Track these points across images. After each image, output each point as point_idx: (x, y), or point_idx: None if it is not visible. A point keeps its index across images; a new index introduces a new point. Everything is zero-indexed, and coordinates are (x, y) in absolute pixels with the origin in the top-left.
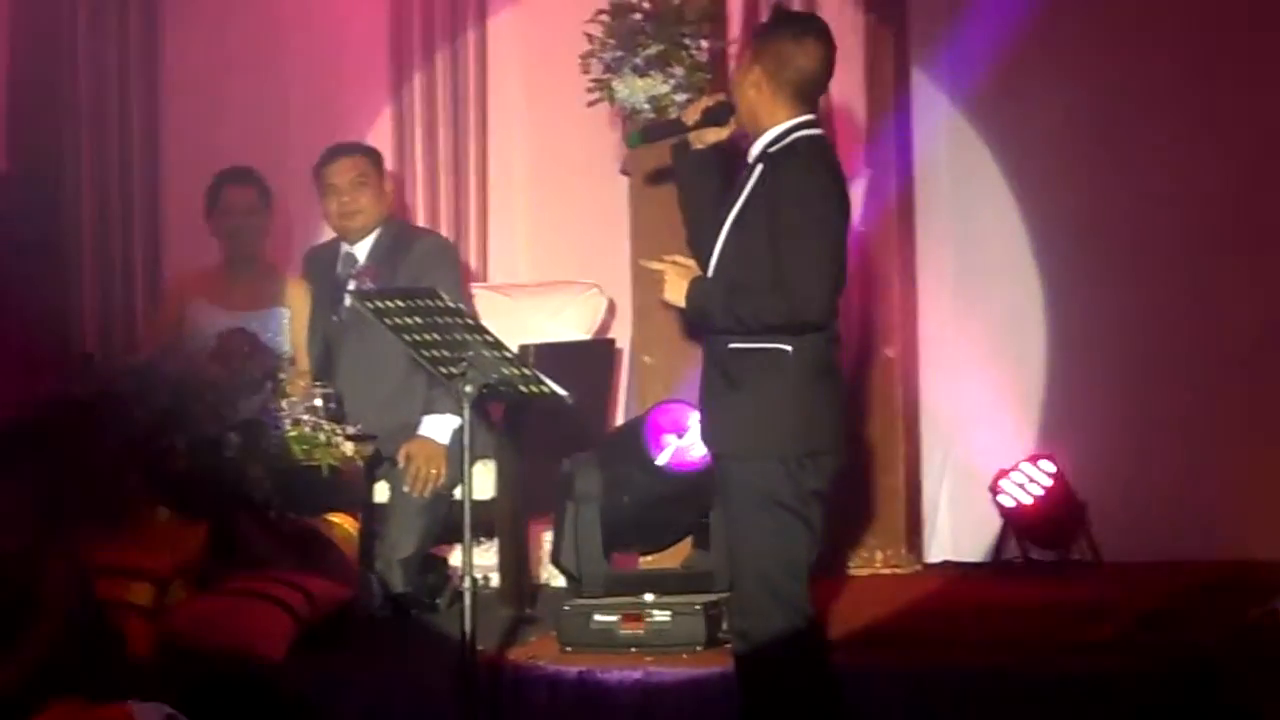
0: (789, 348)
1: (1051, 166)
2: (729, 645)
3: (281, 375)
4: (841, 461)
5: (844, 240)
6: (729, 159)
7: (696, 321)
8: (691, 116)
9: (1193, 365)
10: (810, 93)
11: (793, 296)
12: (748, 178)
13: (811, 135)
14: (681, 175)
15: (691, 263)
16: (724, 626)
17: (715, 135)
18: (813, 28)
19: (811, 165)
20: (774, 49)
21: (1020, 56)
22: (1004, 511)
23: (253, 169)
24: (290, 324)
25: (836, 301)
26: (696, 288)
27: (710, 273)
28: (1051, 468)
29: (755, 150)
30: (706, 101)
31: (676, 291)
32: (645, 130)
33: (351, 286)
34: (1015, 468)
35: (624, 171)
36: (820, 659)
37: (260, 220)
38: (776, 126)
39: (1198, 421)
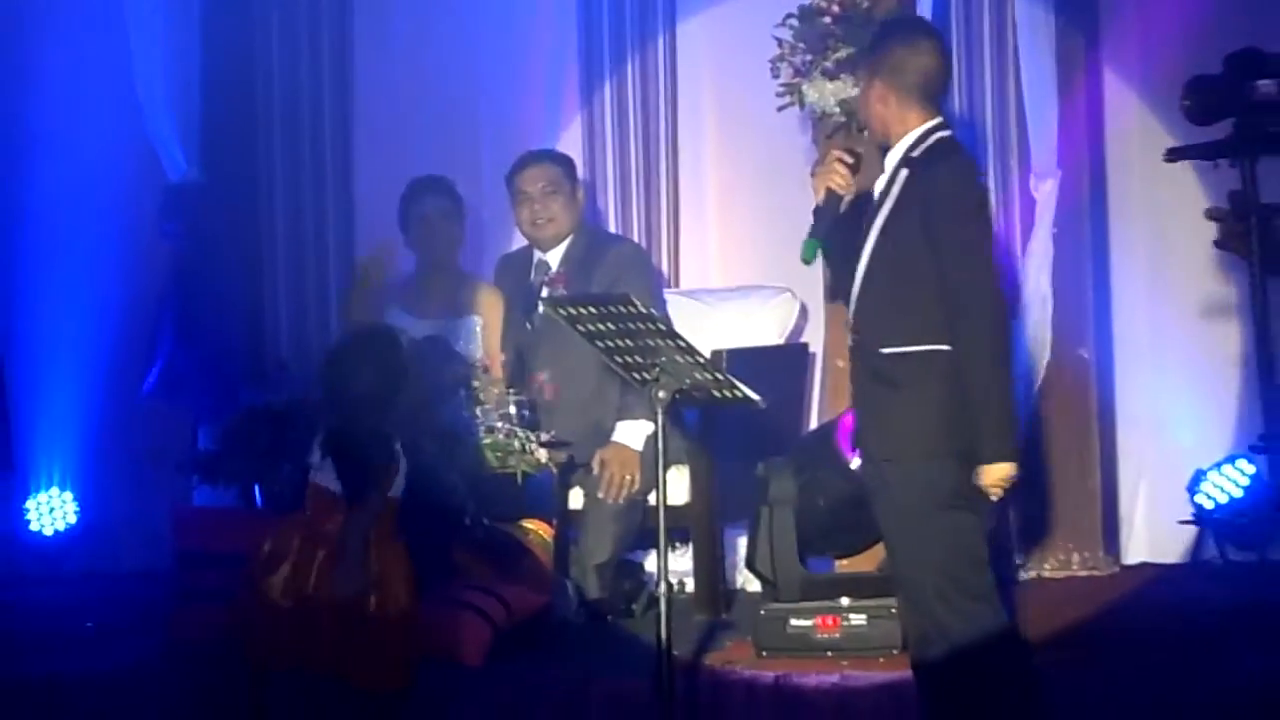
0: (948, 348)
1: None
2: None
3: (475, 383)
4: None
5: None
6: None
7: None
8: (820, 196)
9: None
10: (934, 93)
11: (991, 303)
12: (890, 185)
13: (947, 137)
14: (819, 229)
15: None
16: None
17: (851, 189)
18: (921, 29)
19: (960, 170)
20: (888, 58)
21: (1210, 53)
22: (1202, 512)
23: (445, 178)
24: (483, 332)
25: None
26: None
27: (858, 283)
28: (1250, 467)
29: (894, 158)
30: (827, 179)
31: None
32: (812, 236)
33: (544, 294)
34: (1213, 468)
35: (814, 174)
36: (1025, 651)
37: (453, 228)
38: (910, 133)
39: None
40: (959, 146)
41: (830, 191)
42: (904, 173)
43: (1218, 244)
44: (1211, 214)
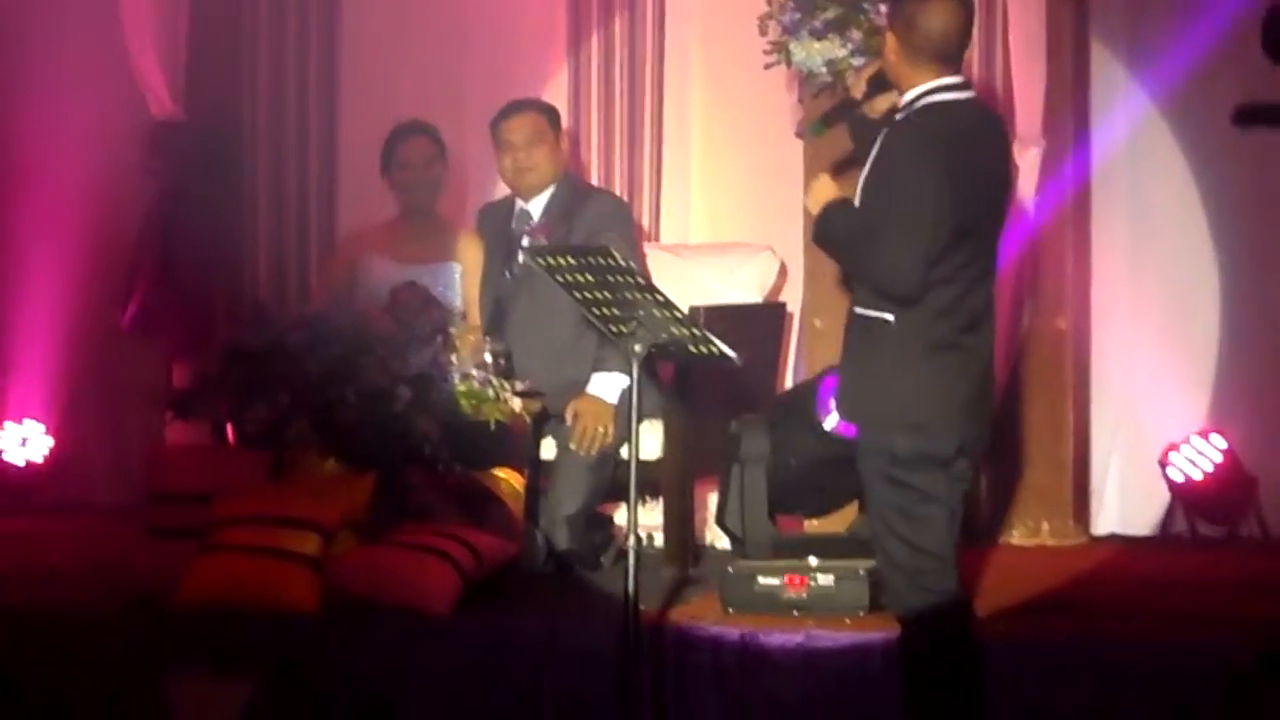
0: (890, 318)
1: (1229, 141)
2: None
3: (452, 329)
4: (973, 439)
5: (943, 212)
6: None
7: (819, 237)
8: (859, 89)
9: None
10: (946, 53)
11: (878, 264)
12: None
13: (939, 101)
14: (861, 148)
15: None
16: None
17: (886, 102)
18: None
19: (916, 133)
20: (903, 14)
21: (1201, 34)
22: (1173, 486)
23: (429, 123)
24: (462, 279)
25: (923, 275)
26: (839, 204)
27: None
28: (1222, 443)
29: (892, 116)
30: (868, 71)
31: (818, 196)
32: (825, 117)
33: (525, 243)
34: (1185, 442)
35: (799, 134)
36: (958, 634)
37: (436, 173)
38: (913, 90)
39: None
40: (949, 112)
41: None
42: (885, 131)
43: None
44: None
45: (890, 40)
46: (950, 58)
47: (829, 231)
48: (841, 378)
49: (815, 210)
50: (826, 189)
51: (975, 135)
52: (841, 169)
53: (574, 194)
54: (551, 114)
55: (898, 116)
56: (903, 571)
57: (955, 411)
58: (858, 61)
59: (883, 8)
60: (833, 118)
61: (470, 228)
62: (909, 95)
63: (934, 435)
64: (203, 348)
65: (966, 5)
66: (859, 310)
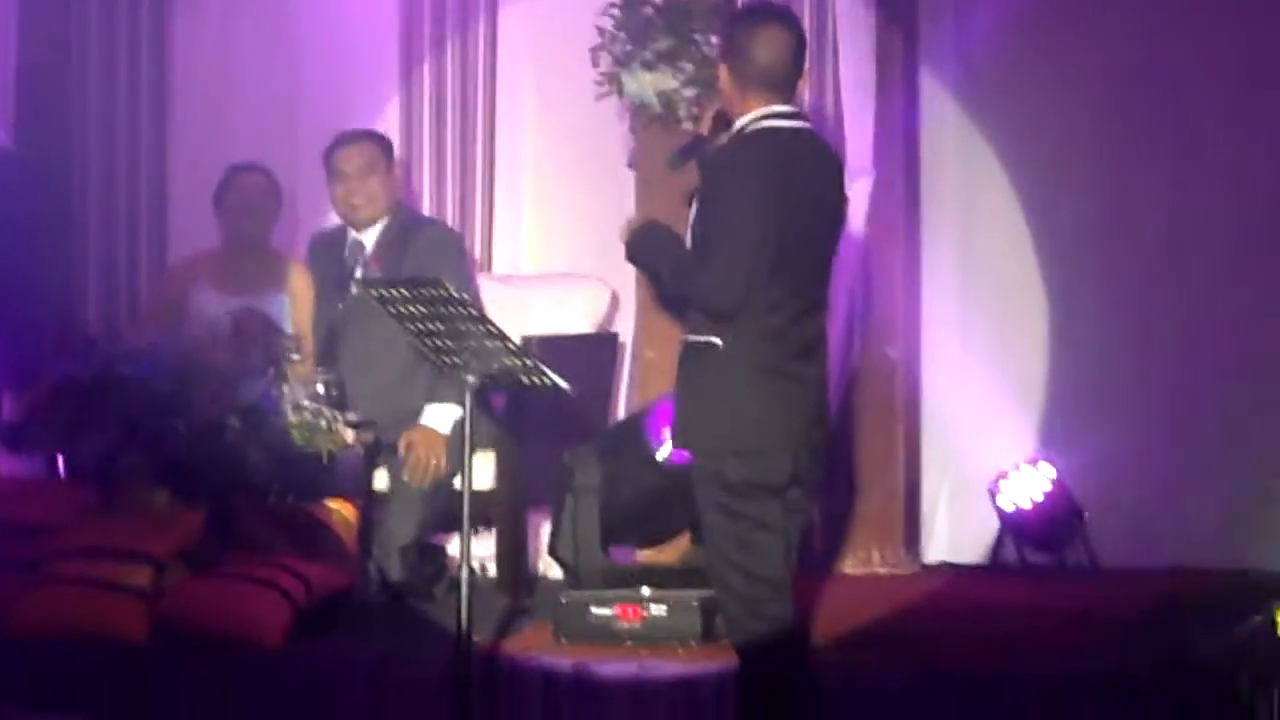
0: (719, 341)
1: (1056, 169)
2: (724, 640)
3: (293, 357)
4: (807, 467)
5: (764, 234)
6: None
7: (631, 252)
8: (705, 125)
9: (1192, 372)
10: (776, 82)
11: (698, 279)
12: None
13: (766, 127)
14: None
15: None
16: (719, 622)
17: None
18: (770, 16)
19: (734, 155)
20: (735, 43)
21: (1026, 59)
22: (1002, 514)
23: (263, 164)
24: (291, 310)
25: (743, 291)
26: (650, 223)
27: None
28: (1051, 471)
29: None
30: (715, 107)
31: (630, 225)
32: (681, 152)
33: (358, 274)
34: (1015, 470)
35: (630, 165)
36: (793, 661)
37: (268, 207)
38: (743, 118)
39: (1197, 428)
40: (775, 138)
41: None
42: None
43: None
44: None
45: (723, 71)
46: (780, 86)
47: (643, 246)
48: (675, 405)
49: (625, 236)
50: (636, 220)
51: (802, 162)
52: (690, 202)
53: (407, 225)
54: (384, 144)
55: (721, 141)
56: (739, 599)
57: (788, 438)
58: (689, 93)
59: (714, 40)
60: (689, 152)
61: (301, 259)
62: (739, 123)
63: (766, 462)
64: (32, 379)
65: (797, 35)
66: (689, 338)
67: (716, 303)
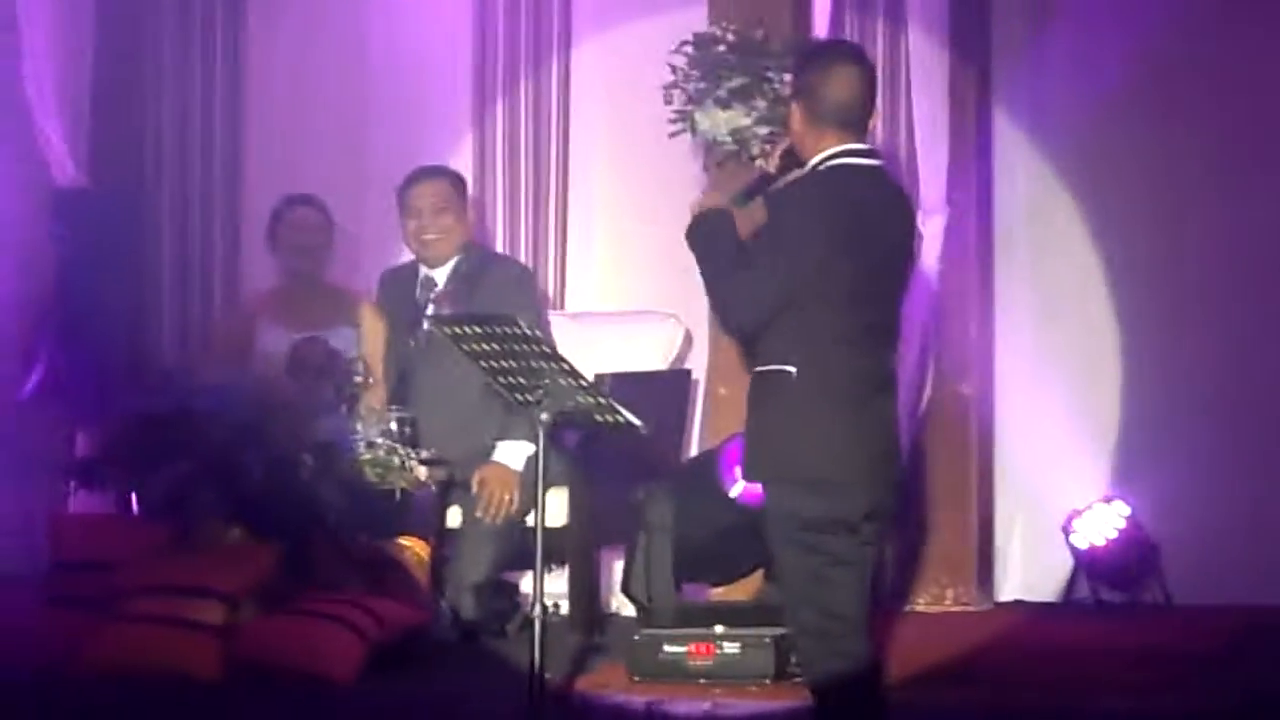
0: (792, 370)
1: (1128, 205)
2: (797, 679)
3: (357, 380)
4: (880, 503)
5: (806, 254)
6: None
7: (690, 234)
8: (773, 163)
9: (1267, 407)
10: (848, 120)
11: (727, 285)
12: None
13: (839, 164)
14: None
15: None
16: (793, 660)
17: (799, 175)
18: (841, 54)
19: (808, 191)
20: (807, 82)
21: (1101, 99)
22: (1076, 552)
23: (315, 196)
24: (360, 343)
25: (767, 312)
26: (723, 217)
27: None
28: (1125, 509)
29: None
30: (783, 145)
31: (706, 201)
32: (747, 190)
33: (430, 311)
34: (1089, 508)
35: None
36: (870, 698)
37: (322, 240)
38: (815, 156)
39: (1272, 465)
40: (847, 175)
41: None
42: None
43: None
44: None
45: (795, 110)
46: (853, 124)
47: (703, 230)
48: (747, 437)
49: (693, 210)
50: (712, 199)
51: (873, 200)
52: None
53: (479, 262)
54: (458, 181)
55: (797, 178)
56: (813, 637)
57: (861, 472)
58: (762, 130)
59: (787, 77)
60: (752, 192)
61: (369, 295)
62: (812, 160)
63: (841, 496)
64: (106, 415)
65: (868, 73)
66: (760, 368)
67: (736, 314)
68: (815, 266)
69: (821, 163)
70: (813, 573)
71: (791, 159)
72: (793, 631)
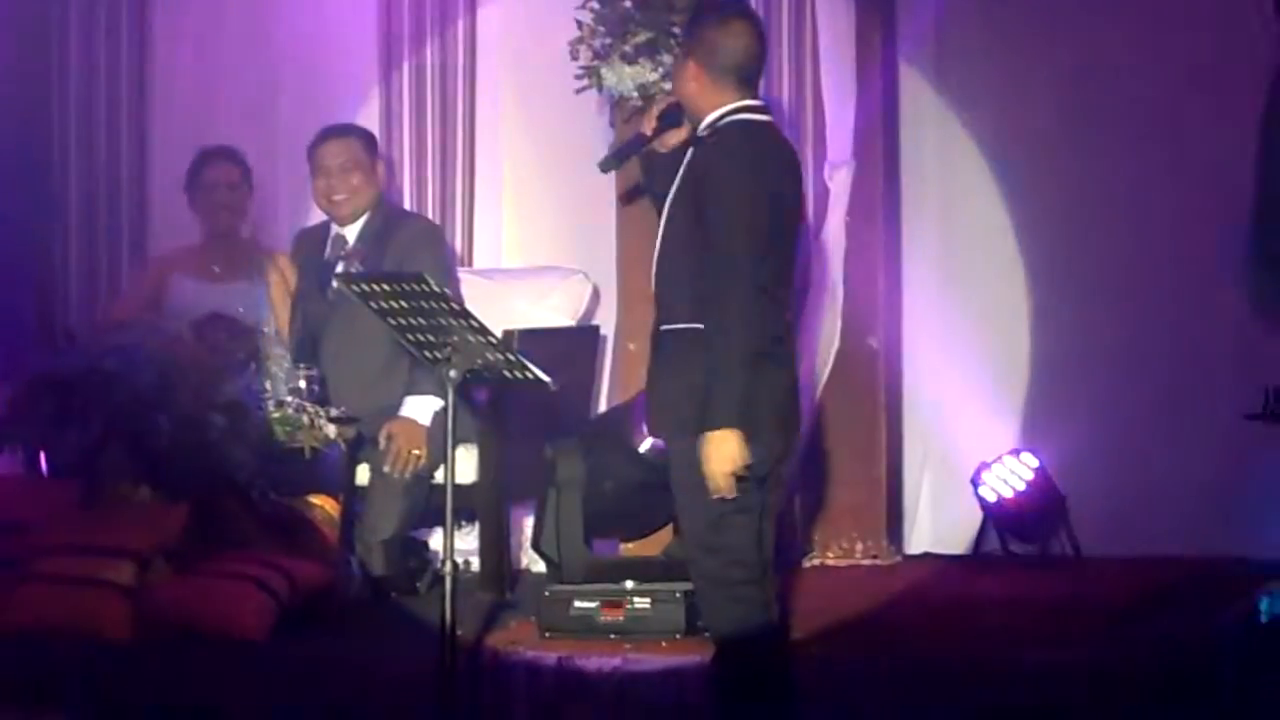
0: (701, 327)
1: (1037, 159)
2: (707, 634)
3: (264, 333)
4: (782, 452)
5: (762, 219)
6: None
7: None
8: (649, 125)
9: (1174, 360)
10: (746, 76)
11: (731, 267)
12: (681, 164)
13: (743, 119)
14: (651, 183)
15: None
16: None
17: (676, 137)
18: (736, 10)
19: (730, 148)
20: (703, 39)
21: (1007, 49)
22: (985, 505)
23: (234, 147)
24: (271, 295)
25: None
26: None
27: (655, 259)
28: (1033, 461)
29: (697, 137)
30: (659, 106)
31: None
32: (617, 153)
33: (339, 268)
34: (997, 460)
35: (602, 167)
36: (773, 650)
37: (240, 196)
38: (717, 110)
39: (1179, 416)
40: (753, 129)
41: (654, 127)
42: (690, 151)
43: None
44: None
45: (691, 66)
46: (750, 80)
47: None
48: (651, 392)
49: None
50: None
51: (774, 157)
52: (630, 198)
53: (389, 219)
54: (368, 139)
55: (703, 135)
56: (715, 583)
57: (765, 422)
58: (669, 85)
59: None
60: (625, 152)
61: (281, 251)
62: (712, 116)
63: (749, 446)
64: (12, 375)
65: (761, 29)
66: (672, 325)
67: (741, 288)
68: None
69: (722, 118)
70: (711, 521)
71: (669, 119)
72: (693, 580)
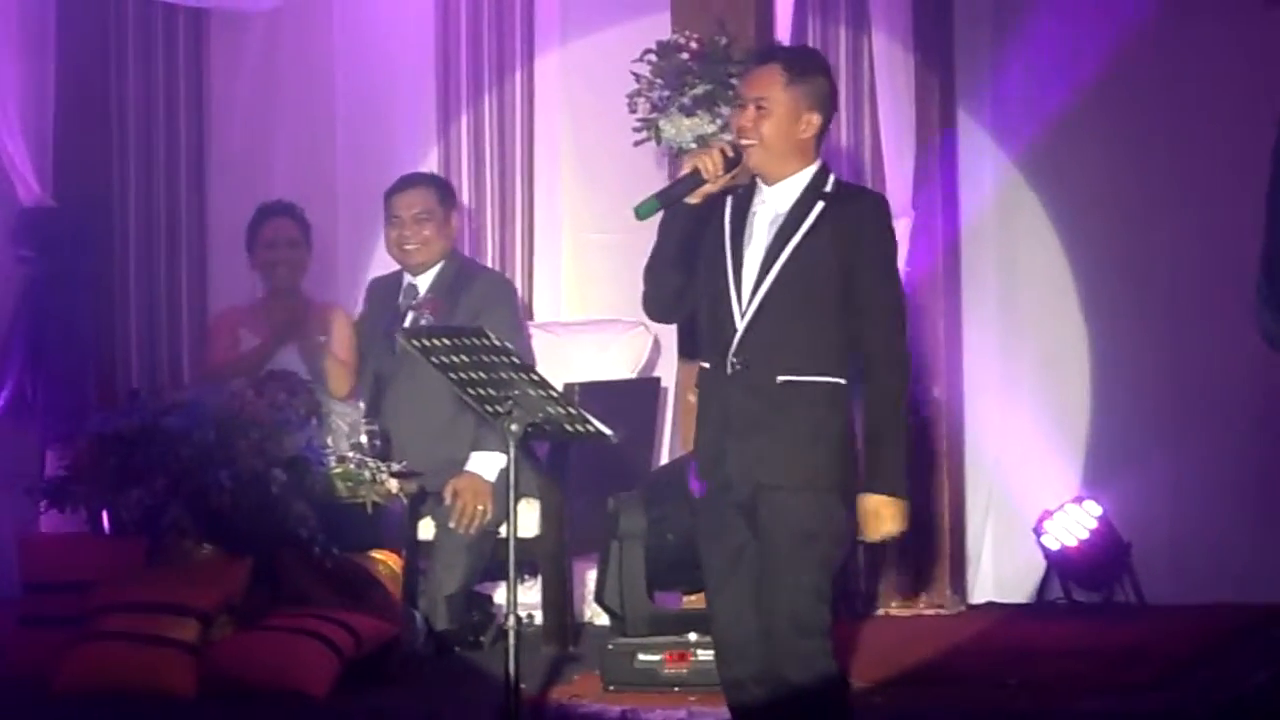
0: (844, 381)
1: (1096, 209)
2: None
3: (326, 410)
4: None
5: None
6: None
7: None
8: (711, 170)
9: (1236, 407)
10: None
11: (904, 351)
12: (799, 212)
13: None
14: (672, 228)
15: None
16: None
17: (714, 186)
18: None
19: (880, 207)
20: (818, 85)
21: (1065, 101)
22: (1048, 553)
23: (293, 203)
24: (328, 351)
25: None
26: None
27: (751, 309)
28: (1096, 509)
29: (797, 186)
30: (718, 152)
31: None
32: (659, 195)
33: (409, 318)
34: (1060, 509)
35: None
36: (837, 705)
37: (299, 254)
38: (811, 165)
39: (1242, 464)
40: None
41: (695, 171)
42: (820, 204)
43: None
44: None
45: (808, 117)
46: None
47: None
48: (768, 442)
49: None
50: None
51: None
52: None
53: (461, 272)
54: (444, 190)
55: (825, 188)
56: (814, 633)
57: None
58: (727, 137)
59: None
60: (675, 195)
61: (339, 304)
62: (813, 168)
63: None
64: (75, 434)
65: None
66: (799, 378)
67: (906, 353)
68: None
69: (827, 173)
70: (831, 573)
71: (733, 165)
72: (784, 635)
